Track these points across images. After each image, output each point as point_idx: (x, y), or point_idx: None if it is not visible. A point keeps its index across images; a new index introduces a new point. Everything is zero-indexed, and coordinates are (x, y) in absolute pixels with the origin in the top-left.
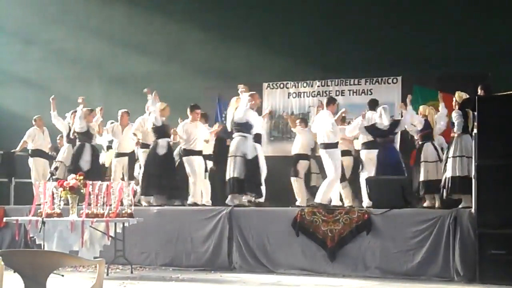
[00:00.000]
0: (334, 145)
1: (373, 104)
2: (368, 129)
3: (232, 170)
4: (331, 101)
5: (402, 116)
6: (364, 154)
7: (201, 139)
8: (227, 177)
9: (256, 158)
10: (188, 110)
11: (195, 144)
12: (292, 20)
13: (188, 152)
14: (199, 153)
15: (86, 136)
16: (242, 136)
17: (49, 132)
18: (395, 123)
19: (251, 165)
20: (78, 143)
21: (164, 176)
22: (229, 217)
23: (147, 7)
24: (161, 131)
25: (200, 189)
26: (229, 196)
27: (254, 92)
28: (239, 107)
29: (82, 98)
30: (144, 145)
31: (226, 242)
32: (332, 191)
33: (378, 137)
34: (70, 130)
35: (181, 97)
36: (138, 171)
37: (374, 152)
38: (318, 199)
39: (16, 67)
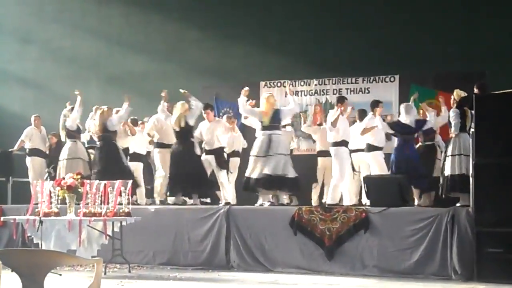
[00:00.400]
0: (338, 144)
1: (375, 105)
2: (393, 126)
3: (281, 168)
4: (339, 100)
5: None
6: (371, 155)
7: (218, 138)
8: (267, 173)
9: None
10: (202, 110)
11: (209, 143)
12: (289, 19)
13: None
14: (211, 152)
15: (114, 134)
16: (280, 134)
17: (46, 131)
18: (421, 122)
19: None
20: (100, 141)
21: (199, 175)
22: (227, 216)
23: (144, 6)
24: (190, 132)
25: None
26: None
27: (270, 93)
28: (283, 105)
29: (129, 97)
30: (160, 145)
31: (224, 241)
32: (338, 191)
33: (403, 134)
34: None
35: (178, 96)
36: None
37: (377, 153)
38: (328, 200)
39: (14, 66)
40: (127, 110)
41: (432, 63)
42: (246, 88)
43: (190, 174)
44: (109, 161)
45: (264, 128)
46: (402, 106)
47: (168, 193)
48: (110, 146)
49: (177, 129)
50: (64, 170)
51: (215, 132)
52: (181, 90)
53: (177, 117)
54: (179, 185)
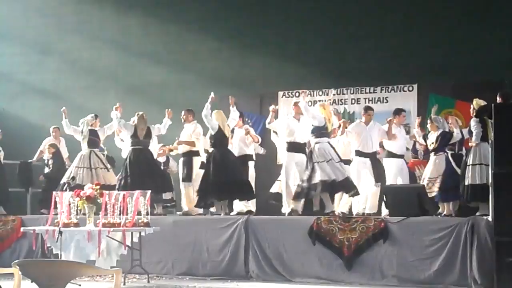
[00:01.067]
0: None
1: (396, 113)
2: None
3: (332, 174)
4: (364, 110)
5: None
6: (390, 162)
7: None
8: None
9: None
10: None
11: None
12: (307, 29)
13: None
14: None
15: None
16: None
17: (65, 142)
18: (448, 135)
19: None
20: (132, 147)
21: (245, 179)
22: (245, 226)
23: (162, 17)
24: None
25: None
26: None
27: (298, 101)
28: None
29: (169, 112)
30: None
31: (243, 251)
32: (345, 200)
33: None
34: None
35: (196, 105)
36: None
37: (398, 161)
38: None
39: (33, 77)
40: (167, 124)
41: (450, 72)
42: (306, 92)
43: (235, 179)
44: (149, 166)
45: (324, 134)
46: (439, 119)
47: (205, 201)
48: (149, 152)
49: (222, 137)
50: (95, 179)
51: (243, 140)
52: (230, 97)
53: (224, 125)
54: (218, 191)
